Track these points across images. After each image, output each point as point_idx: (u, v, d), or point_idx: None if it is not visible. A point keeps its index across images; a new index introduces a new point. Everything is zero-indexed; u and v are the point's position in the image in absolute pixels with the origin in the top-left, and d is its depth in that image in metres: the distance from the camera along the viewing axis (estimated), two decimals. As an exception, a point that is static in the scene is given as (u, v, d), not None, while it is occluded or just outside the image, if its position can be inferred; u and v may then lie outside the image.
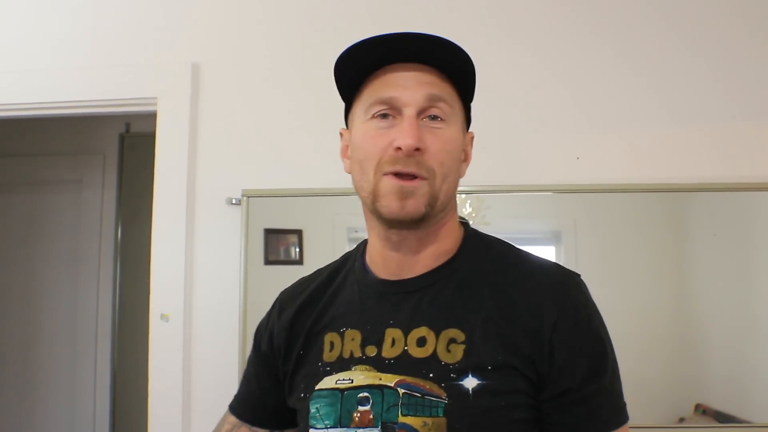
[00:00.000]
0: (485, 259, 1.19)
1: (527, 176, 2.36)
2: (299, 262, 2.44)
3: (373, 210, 1.13)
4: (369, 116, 1.13)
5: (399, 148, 1.08)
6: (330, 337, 1.20)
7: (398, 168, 1.09)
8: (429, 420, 1.06)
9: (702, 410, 2.25)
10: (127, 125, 3.94)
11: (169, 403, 2.40)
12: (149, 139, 2.57)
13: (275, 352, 1.29)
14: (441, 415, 1.06)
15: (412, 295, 1.16)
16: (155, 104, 2.54)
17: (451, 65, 1.13)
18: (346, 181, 2.40)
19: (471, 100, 1.21)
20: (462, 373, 1.07)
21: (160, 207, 2.50)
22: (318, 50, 2.51)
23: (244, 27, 2.57)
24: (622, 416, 1.12)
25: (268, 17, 2.55)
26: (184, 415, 2.39)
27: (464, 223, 1.26)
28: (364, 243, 1.27)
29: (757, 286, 2.30)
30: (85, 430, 3.84)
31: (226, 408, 1.41)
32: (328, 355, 1.19)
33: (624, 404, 1.13)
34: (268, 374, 1.31)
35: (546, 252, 2.40)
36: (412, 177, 1.09)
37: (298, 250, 2.44)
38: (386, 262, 1.19)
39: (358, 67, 1.16)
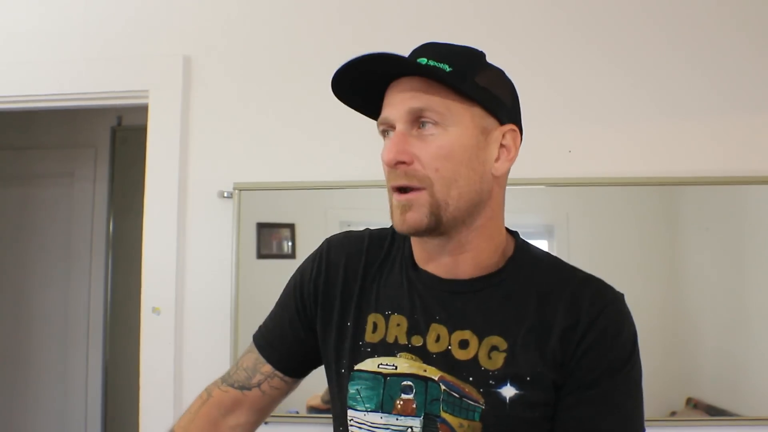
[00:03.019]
0: (535, 272, 1.18)
1: (519, 170, 2.34)
2: (292, 256, 2.44)
3: None
4: (382, 136, 1.15)
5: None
6: (373, 317, 1.20)
7: (393, 183, 1.10)
8: (465, 422, 1.08)
9: (693, 404, 2.26)
10: (119, 118, 3.93)
11: (161, 395, 2.40)
12: (141, 132, 2.57)
13: (318, 307, 1.27)
14: (477, 419, 1.08)
15: (458, 297, 1.16)
16: (147, 97, 2.53)
17: (433, 74, 1.08)
18: (338, 175, 2.42)
19: (488, 97, 1.12)
20: (501, 381, 1.09)
21: (152, 200, 2.49)
22: (310, 44, 2.50)
23: (235, 19, 2.55)
24: None
25: (260, 10, 2.54)
26: (176, 407, 2.39)
27: (514, 234, 1.25)
28: None
29: (749, 281, 2.31)
30: (77, 422, 3.84)
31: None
32: (371, 336, 1.18)
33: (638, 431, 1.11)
34: (304, 325, 1.30)
35: (539, 246, 2.39)
36: (407, 189, 1.09)
37: (290, 244, 2.44)
38: (431, 262, 1.18)
39: (367, 93, 1.15)
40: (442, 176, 1.08)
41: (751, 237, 2.32)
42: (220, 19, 2.56)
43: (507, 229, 1.24)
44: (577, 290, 1.13)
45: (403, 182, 1.08)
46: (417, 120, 1.08)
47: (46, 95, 2.60)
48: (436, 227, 1.10)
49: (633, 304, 2.31)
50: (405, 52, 1.17)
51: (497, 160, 1.15)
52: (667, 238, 2.35)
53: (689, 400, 2.26)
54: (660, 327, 2.31)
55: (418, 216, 1.08)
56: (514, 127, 1.16)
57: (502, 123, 1.14)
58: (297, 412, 2.31)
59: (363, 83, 1.13)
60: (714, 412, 2.25)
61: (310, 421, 2.31)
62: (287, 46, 2.51)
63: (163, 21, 2.58)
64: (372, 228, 1.32)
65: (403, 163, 1.08)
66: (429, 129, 1.08)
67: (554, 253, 2.31)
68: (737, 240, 2.33)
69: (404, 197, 1.09)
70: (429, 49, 1.13)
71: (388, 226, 1.29)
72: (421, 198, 1.08)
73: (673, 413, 2.26)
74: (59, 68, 2.59)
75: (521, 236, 1.26)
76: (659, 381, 2.28)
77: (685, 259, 2.34)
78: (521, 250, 1.21)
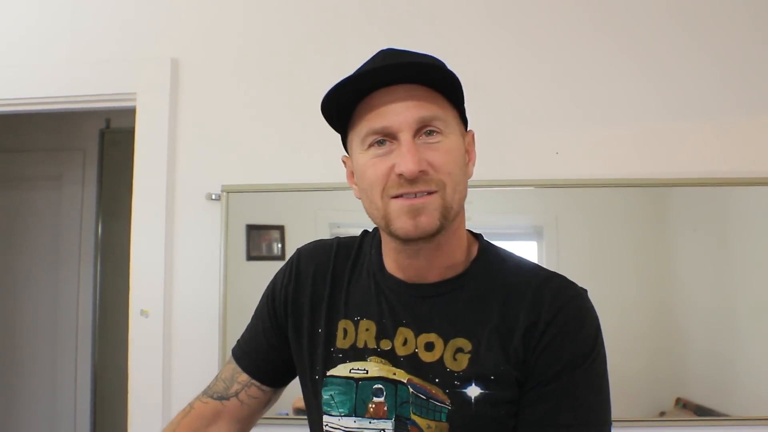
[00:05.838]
0: (498, 274, 1.18)
1: (508, 171, 2.36)
2: (281, 257, 2.43)
3: (388, 232, 1.12)
4: (365, 146, 1.11)
5: (401, 174, 1.06)
6: (343, 323, 1.21)
7: (404, 191, 1.07)
8: (433, 423, 1.10)
9: (682, 404, 2.26)
10: (108, 121, 3.91)
11: (149, 398, 2.39)
12: (129, 134, 2.56)
13: (288, 314, 1.29)
14: (444, 420, 1.10)
15: (424, 301, 1.17)
16: (135, 100, 2.53)
17: (436, 81, 1.10)
18: (326, 177, 2.42)
19: (463, 102, 1.17)
20: (466, 381, 1.10)
21: (140, 203, 2.49)
22: (298, 47, 2.50)
23: (223, 22, 2.55)
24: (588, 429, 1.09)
25: (248, 13, 2.54)
26: (164, 409, 2.38)
27: (478, 236, 1.25)
28: (380, 234, 1.24)
29: (736, 283, 2.32)
30: (66, 425, 3.83)
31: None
32: (342, 342, 1.20)
33: (601, 424, 1.11)
34: (276, 333, 1.31)
35: (528, 247, 2.40)
36: (415, 193, 1.07)
37: (280, 245, 2.44)
38: (401, 268, 1.19)
39: (344, 100, 1.12)
40: (452, 180, 1.09)
41: (738, 238, 2.33)
42: (208, 22, 2.56)
43: (471, 232, 1.25)
44: (538, 289, 1.14)
45: (422, 188, 1.07)
46: (421, 129, 1.08)
47: (34, 98, 2.59)
48: (441, 230, 1.10)
49: (621, 304, 2.33)
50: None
51: (468, 163, 1.18)
52: (656, 239, 2.36)
53: (678, 401, 2.27)
54: (649, 327, 2.31)
55: (432, 219, 1.07)
56: (472, 131, 1.21)
57: (466, 128, 1.20)
58: (287, 414, 2.31)
59: (349, 94, 1.11)
60: (703, 412, 2.25)
61: (299, 423, 2.30)
62: (275, 48, 2.51)
63: (151, 24, 2.57)
64: (341, 237, 1.33)
65: (422, 172, 1.06)
66: (435, 137, 1.09)
67: (544, 254, 2.35)
68: (724, 241, 2.34)
69: (418, 201, 1.07)
70: (412, 55, 1.13)
71: (357, 235, 1.32)
72: (434, 201, 1.08)
73: (663, 413, 2.27)
74: (47, 71, 2.58)
75: (486, 237, 1.27)
76: (648, 381, 2.29)
77: (674, 259, 2.35)
78: (485, 252, 1.22)
